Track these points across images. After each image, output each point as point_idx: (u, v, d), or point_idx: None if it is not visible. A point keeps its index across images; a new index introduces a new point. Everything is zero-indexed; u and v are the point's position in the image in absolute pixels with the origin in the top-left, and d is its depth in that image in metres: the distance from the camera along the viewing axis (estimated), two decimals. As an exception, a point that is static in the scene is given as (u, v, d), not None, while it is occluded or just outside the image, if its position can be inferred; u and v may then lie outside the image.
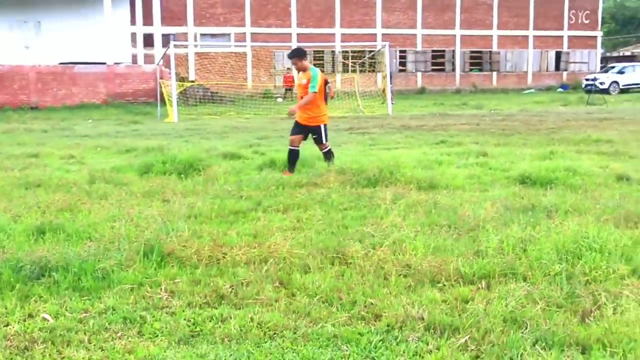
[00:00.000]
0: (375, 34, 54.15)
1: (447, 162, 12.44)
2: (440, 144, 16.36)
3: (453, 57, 58.39)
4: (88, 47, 38.07)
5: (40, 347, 4.29)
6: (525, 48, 60.36)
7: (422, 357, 4.12)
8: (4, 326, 4.65)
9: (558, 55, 61.69)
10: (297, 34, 53.22)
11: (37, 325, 4.64)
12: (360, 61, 47.55)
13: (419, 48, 57.31)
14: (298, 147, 11.52)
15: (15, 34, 38.77)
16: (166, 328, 4.60)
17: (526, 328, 4.44)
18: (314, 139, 11.63)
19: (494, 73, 59.65)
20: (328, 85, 29.40)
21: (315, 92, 11.28)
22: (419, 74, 57.23)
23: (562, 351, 4.10)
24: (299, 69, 11.92)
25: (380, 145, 16.48)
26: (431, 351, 4.16)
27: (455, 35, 57.90)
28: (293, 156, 11.47)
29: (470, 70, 59.05)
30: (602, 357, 4.03)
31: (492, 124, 22.85)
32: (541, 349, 4.11)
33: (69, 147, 16.90)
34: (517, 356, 4.04)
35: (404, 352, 4.17)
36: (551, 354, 4.03)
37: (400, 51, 56.05)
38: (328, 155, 11.65)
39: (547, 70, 61.65)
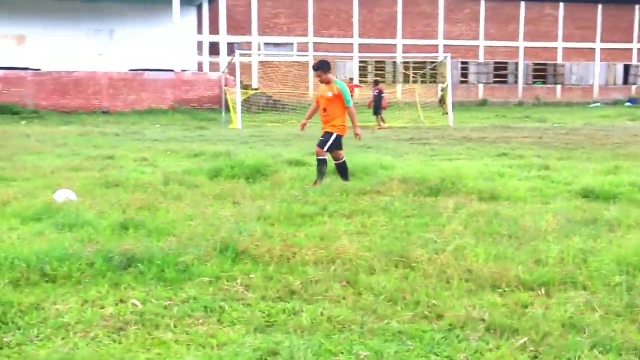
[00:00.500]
0: (437, 45, 54.03)
1: (509, 174, 12.37)
2: (502, 156, 16.19)
3: (516, 69, 57.82)
4: (157, 55, 38.85)
5: (132, 329, 4.66)
6: (592, 61, 59.23)
7: (483, 355, 4.29)
8: (100, 309, 5.05)
9: (627, 68, 60.41)
10: (359, 45, 53.40)
11: (128, 310, 5.02)
12: (421, 72, 47.64)
13: (481, 60, 56.92)
14: (342, 159, 11.45)
15: (90, 42, 39.77)
16: (243, 318, 4.91)
17: (584, 333, 4.53)
18: (320, 140, 11.44)
19: (559, 86, 58.70)
20: (382, 95, 29.53)
21: (351, 106, 11.39)
22: (481, 86, 56.86)
23: (620, 355, 4.23)
24: (322, 82, 11.62)
25: (442, 156, 16.41)
26: (491, 350, 4.33)
27: (518, 47, 57.37)
28: (344, 170, 11.48)
29: (534, 83, 58.33)
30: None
31: (556, 138, 22.38)
32: (599, 353, 4.23)
33: (141, 150, 17.31)
34: (575, 358, 4.17)
35: (465, 349, 4.35)
36: (609, 358, 4.16)
37: (462, 62, 55.80)
38: (321, 165, 11.40)
39: (614, 84, 60.32)
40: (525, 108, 49.64)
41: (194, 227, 7.51)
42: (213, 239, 6.74)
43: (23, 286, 5.46)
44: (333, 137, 11.25)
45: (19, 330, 4.63)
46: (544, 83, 58.34)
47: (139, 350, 4.35)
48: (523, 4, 56.78)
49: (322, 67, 11.52)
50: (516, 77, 57.91)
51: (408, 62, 53.35)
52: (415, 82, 45.72)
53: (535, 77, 58.48)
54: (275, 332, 4.66)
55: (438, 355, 4.31)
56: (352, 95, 11.19)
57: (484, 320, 4.80)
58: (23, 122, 29.55)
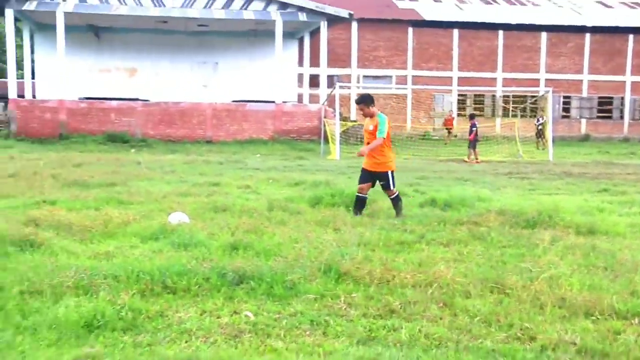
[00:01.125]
0: (539, 79, 53.45)
1: (608, 209, 12.25)
2: (602, 192, 16.00)
3: (622, 104, 56.59)
4: (259, 86, 39.74)
5: (247, 336, 5.11)
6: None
7: None
8: (217, 318, 5.53)
9: None
10: (458, 78, 53.37)
11: (242, 320, 5.48)
12: (521, 106, 47.35)
13: (584, 94, 56.03)
14: (366, 194, 11.34)
15: (195, 74, 41.00)
16: (346, 331, 5.27)
17: None
18: (381, 185, 11.32)
19: (668, 122, 57.26)
20: (474, 128, 29.22)
21: (383, 138, 11.08)
22: (583, 121, 55.79)
23: None
24: (365, 115, 11.53)
25: (540, 190, 16.35)
26: None
27: (625, 82, 56.34)
28: (360, 203, 11.29)
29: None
30: None
31: None
32: None
33: (243, 178, 17.70)
34: None
35: None
36: None
37: (564, 97, 55.05)
38: (396, 202, 11.33)
39: None
40: (631, 144, 48.52)
41: (299, 249, 7.87)
42: (317, 261, 7.10)
43: (148, 296, 5.98)
44: (390, 175, 11.23)
45: (148, 333, 5.15)
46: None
47: (254, 354, 4.76)
48: (631, 36, 55.60)
49: (364, 101, 11.35)
50: (621, 111, 56.56)
51: (508, 96, 53.08)
52: (514, 115, 45.46)
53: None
54: (375, 345, 4.98)
55: (530, 373, 4.58)
56: (451, 126, 11.19)
57: (575, 343, 5.01)
58: (132, 150, 30.61)
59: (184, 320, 5.45)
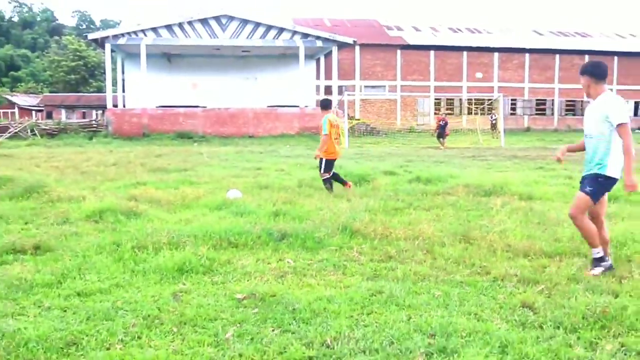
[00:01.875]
0: (493, 87, 53.33)
1: (542, 182, 12.34)
2: (539, 169, 16.06)
3: (552, 104, 56.56)
4: (287, 95, 39.78)
5: (289, 276, 5.33)
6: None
7: (514, 296, 4.72)
8: (267, 264, 5.75)
9: (636, 104, 57.92)
10: (434, 86, 53.36)
11: (285, 265, 5.71)
12: (481, 106, 47.17)
13: (526, 97, 55.89)
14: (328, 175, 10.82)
15: (241, 86, 41.00)
16: (359, 271, 5.50)
17: (581, 282, 5.03)
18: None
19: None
20: (446, 125, 28.83)
21: (323, 134, 10.54)
22: (526, 117, 55.58)
23: (600, 295, 4.57)
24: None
25: (495, 168, 16.38)
26: (520, 293, 4.80)
27: (554, 88, 56.10)
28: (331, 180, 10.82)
29: (566, 114, 56.97)
30: None
31: (581, 156, 21.55)
32: (589, 294, 4.65)
33: (278, 163, 17.76)
34: (574, 298, 4.60)
35: (503, 292, 4.84)
36: (595, 298, 4.49)
37: (512, 99, 54.88)
38: (325, 183, 10.80)
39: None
40: (560, 133, 48.39)
41: (322, 214, 7.99)
42: (336, 222, 7.26)
43: (218, 249, 6.19)
44: (323, 161, 10.72)
45: (221, 274, 5.38)
46: (574, 115, 56.59)
47: (295, 288, 4.97)
48: (557, 56, 55.49)
49: (320, 105, 11.21)
50: (552, 110, 56.57)
51: (471, 99, 52.89)
52: (476, 114, 45.26)
53: (567, 110, 56.98)
54: (379, 280, 5.20)
55: (485, 295, 4.79)
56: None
57: (516, 275, 5.25)
58: (195, 144, 30.79)
59: (244, 266, 5.64)
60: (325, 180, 10.80)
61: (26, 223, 7.68)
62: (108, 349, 3.70)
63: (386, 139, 36.36)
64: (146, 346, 3.74)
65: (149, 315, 4.27)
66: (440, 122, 29.58)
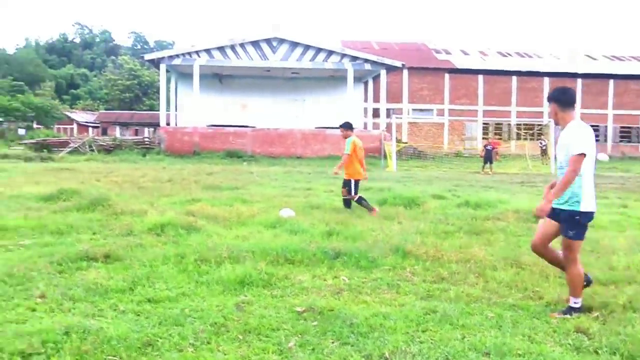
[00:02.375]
0: (542, 112, 52.61)
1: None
2: None
3: (606, 131, 55.48)
4: (335, 117, 39.98)
5: (345, 293, 5.51)
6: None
7: (568, 321, 4.78)
8: (323, 280, 5.94)
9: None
10: (483, 110, 53.05)
11: (341, 282, 5.88)
12: (530, 132, 46.75)
13: (577, 123, 54.91)
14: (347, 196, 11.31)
15: (289, 108, 41.47)
16: (412, 291, 5.64)
17: (636, 312, 4.97)
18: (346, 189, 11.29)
19: (641, 144, 55.69)
20: (495, 149, 28.42)
21: (346, 154, 11.20)
22: (577, 143, 54.66)
23: None
24: (344, 137, 11.49)
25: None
26: (574, 318, 4.82)
27: (607, 114, 54.97)
28: (347, 203, 11.27)
29: (620, 141, 55.66)
30: None
31: (636, 184, 21.38)
32: None
33: (327, 184, 17.68)
34: (631, 326, 4.59)
35: (556, 319, 4.87)
36: None
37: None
38: (347, 203, 11.25)
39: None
40: (612, 161, 47.28)
41: (375, 235, 8.18)
42: (388, 243, 7.44)
43: (276, 265, 6.41)
44: (353, 182, 11.23)
45: (279, 288, 5.59)
46: (629, 141, 55.22)
47: (351, 304, 5.15)
48: (611, 81, 54.49)
49: (344, 126, 11.58)
50: (605, 136, 55.39)
51: (520, 124, 52.41)
52: (525, 139, 44.85)
53: (621, 137, 55.67)
54: (433, 300, 5.32)
55: (539, 319, 4.87)
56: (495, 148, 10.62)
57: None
58: (244, 163, 31.23)
59: (302, 281, 5.84)
60: (358, 200, 11.13)
61: (94, 233, 8.10)
62: (181, 351, 3.97)
63: (433, 162, 36.21)
64: (216, 350, 3.99)
65: (215, 323, 4.52)
66: (487, 147, 29.27)
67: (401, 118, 48.82)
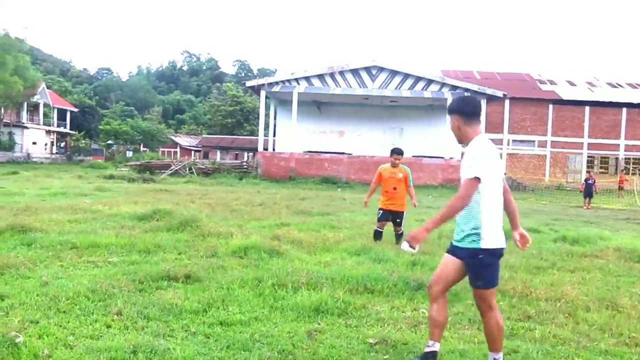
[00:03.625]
0: (655, 146, 50.14)
1: None
2: None
3: None
4: (432, 146, 39.70)
5: (422, 326, 5.30)
6: None
7: None
8: (402, 312, 5.76)
9: None
10: (588, 143, 50.97)
11: (420, 315, 5.69)
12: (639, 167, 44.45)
13: (695, 158, 51.76)
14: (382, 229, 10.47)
15: (386, 136, 41.43)
16: None
17: None
18: (398, 221, 10.45)
19: None
20: (595, 183, 27.55)
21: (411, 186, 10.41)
22: (693, 180, 51.59)
23: None
24: (395, 165, 10.44)
25: None
26: None
27: None
28: (379, 235, 10.37)
29: None
30: None
31: None
32: None
33: (419, 213, 17.09)
34: None
35: None
36: None
37: (676, 160, 51.11)
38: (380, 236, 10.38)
39: None
40: None
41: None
42: None
43: (354, 293, 6.30)
44: (404, 216, 10.47)
45: (355, 318, 5.48)
46: None
47: (428, 339, 4.99)
48: None
49: (402, 153, 10.55)
50: None
51: (629, 158, 49.90)
52: (634, 174, 42.59)
53: None
54: (515, 340, 5.06)
55: (632, 367, 4.56)
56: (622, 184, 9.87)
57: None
58: (339, 190, 31.38)
59: (379, 312, 5.71)
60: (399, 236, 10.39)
61: (179, 254, 8.26)
62: (244, 378, 3.90)
63: (533, 195, 35.04)
64: (279, 379, 3.90)
65: (283, 350, 4.45)
66: (589, 181, 28.11)
67: (501, 149, 47.64)
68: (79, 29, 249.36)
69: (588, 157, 50.91)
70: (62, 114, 76.22)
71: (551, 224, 16.00)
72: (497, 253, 4.32)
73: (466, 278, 4.43)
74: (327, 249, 9.31)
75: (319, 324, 5.22)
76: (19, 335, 4.28)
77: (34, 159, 59.70)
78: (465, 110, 4.38)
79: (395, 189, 10.36)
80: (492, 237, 4.26)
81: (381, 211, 10.39)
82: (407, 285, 6.62)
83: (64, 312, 5.20)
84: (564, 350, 4.86)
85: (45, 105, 70.61)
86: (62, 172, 35.89)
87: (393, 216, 10.41)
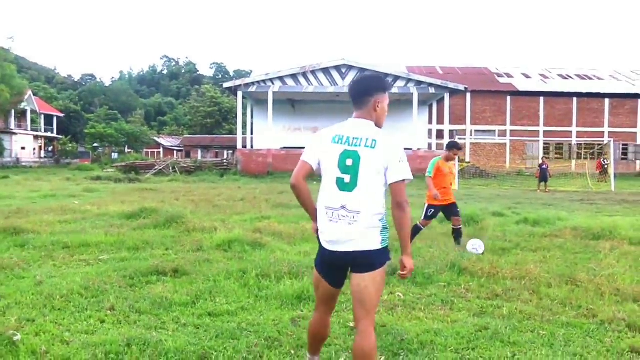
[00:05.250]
0: (603, 132, 50.80)
1: None
2: None
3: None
4: (401, 138, 39.75)
5: (399, 309, 5.33)
6: None
7: (622, 340, 4.48)
8: None
9: None
10: (544, 131, 51.58)
11: (395, 298, 5.69)
12: (590, 151, 45.08)
13: (639, 142, 52.76)
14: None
15: (357, 129, 41.64)
16: (466, 308, 5.41)
17: None
18: (457, 211, 9.15)
19: None
20: (547, 168, 27.74)
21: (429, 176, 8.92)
22: (638, 162, 52.46)
23: None
24: (451, 159, 9.21)
25: (604, 213, 15.51)
26: (629, 338, 4.52)
27: (670, 133, 52.63)
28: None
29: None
30: None
31: None
32: None
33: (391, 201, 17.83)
34: None
35: (609, 337, 4.59)
36: None
37: (623, 144, 51.95)
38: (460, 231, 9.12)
39: None
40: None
41: (432, 252, 7.95)
42: (445, 260, 7.19)
43: None
44: (426, 207, 9.09)
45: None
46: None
47: (404, 320, 4.98)
48: (675, 100, 52.18)
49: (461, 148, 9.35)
50: (667, 155, 52.91)
51: (580, 144, 50.61)
52: (585, 158, 43.20)
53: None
54: (485, 317, 5.10)
55: (592, 338, 4.58)
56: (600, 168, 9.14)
57: (625, 320, 4.96)
58: (314, 182, 31.26)
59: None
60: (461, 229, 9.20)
61: (167, 249, 8.17)
62: (233, 365, 3.87)
63: (495, 181, 35.34)
64: (267, 365, 3.88)
65: (269, 337, 4.43)
66: (543, 166, 28.48)
67: (464, 139, 47.96)
68: (62, 38, 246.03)
69: (544, 144, 51.49)
70: (48, 119, 74.97)
71: (513, 208, 16.13)
72: (325, 254, 3.41)
73: None
74: (306, 239, 9.25)
75: (301, 311, 5.19)
76: (17, 333, 4.19)
77: (24, 164, 58.63)
78: (387, 86, 3.57)
79: (451, 184, 9.37)
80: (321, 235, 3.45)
81: (432, 209, 9.05)
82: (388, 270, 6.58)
83: (59, 309, 5.11)
84: (529, 325, 4.92)
85: (33, 111, 69.40)
86: (51, 175, 35.30)
87: (450, 208, 9.11)
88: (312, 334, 3.62)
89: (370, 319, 3.32)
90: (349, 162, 3.29)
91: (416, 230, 8.91)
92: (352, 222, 3.24)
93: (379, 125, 3.49)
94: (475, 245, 8.41)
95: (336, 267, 3.38)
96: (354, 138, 3.35)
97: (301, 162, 3.51)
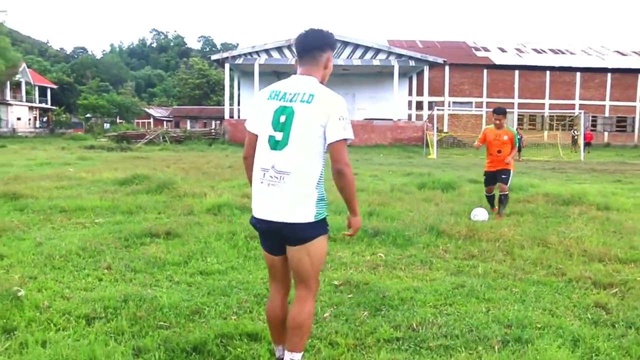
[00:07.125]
0: (574, 104, 51.08)
1: (620, 193, 11.84)
2: (616, 182, 15.34)
3: (633, 122, 53.44)
4: (382, 109, 39.75)
5: (381, 268, 5.40)
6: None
7: (588, 296, 4.59)
8: (362, 257, 5.82)
9: None
10: (518, 103, 51.70)
11: (378, 258, 5.77)
12: (562, 123, 45.36)
13: (607, 114, 53.17)
14: (492, 194, 9.21)
15: (340, 101, 41.49)
16: (443, 267, 5.49)
17: None
18: (503, 179, 8.84)
19: (668, 134, 53.45)
20: (522, 138, 27.77)
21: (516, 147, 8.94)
22: (606, 133, 52.95)
23: None
24: (499, 126, 8.95)
25: (573, 180, 15.79)
26: (594, 294, 4.64)
27: (635, 106, 53.05)
28: (491, 200, 9.18)
29: (646, 131, 53.54)
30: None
31: None
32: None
33: (372, 170, 17.66)
34: None
35: (576, 294, 4.68)
36: None
37: (592, 116, 52.31)
38: (506, 198, 8.92)
39: None
40: (639, 149, 45.61)
41: (412, 216, 8.03)
42: (424, 223, 7.27)
43: None
44: (511, 174, 8.95)
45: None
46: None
47: (386, 279, 5.04)
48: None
49: (505, 113, 9.09)
50: (633, 127, 53.39)
51: (552, 116, 50.89)
52: (557, 129, 43.46)
53: (648, 127, 53.56)
54: (462, 276, 5.18)
55: (560, 294, 4.67)
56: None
57: (591, 278, 5.07)
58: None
59: (341, 257, 5.76)
60: (507, 196, 8.97)
61: (159, 213, 8.17)
62: (225, 318, 3.93)
63: (472, 151, 35.53)
64: (256, 319, 3.93)
65: (258, 294, 4.47)
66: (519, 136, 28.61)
67: (442, 110, 48.04)
68: (54, 11, 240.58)
69: (518, 115, 51.68)
70: (42, 91, 73.69)
71: (489, 175, 16.12)
72: (254, 223, 3.05)
73: None
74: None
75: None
76: (21, 289, 4.22)
77: (19, 134, 57.75)
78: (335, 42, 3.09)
79: (500, 152, 8.86)
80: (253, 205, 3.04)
81: (485, 175, 9.08)
82: (366, 232, 6.66)
83: (58, 268, 5.12)
84: (503, 283, 5.00)
85: (27, 83, 68.18)
86: (46, 145, 34.92)
87: (498, 173, 8.87)
88: (268, 318, 3.11)
89: (307, 288, 2.95)
90: (282, 118, 2.82)
91: (488, 199, 9.20)
92: (281, 183, 2.78)
93: (322, 83, 2.99)
94: (476, 212, 8.42)
95: (267, 234, 2.94)
96: (290, 93, 2.88)
97: (247, 134, 3.03)
